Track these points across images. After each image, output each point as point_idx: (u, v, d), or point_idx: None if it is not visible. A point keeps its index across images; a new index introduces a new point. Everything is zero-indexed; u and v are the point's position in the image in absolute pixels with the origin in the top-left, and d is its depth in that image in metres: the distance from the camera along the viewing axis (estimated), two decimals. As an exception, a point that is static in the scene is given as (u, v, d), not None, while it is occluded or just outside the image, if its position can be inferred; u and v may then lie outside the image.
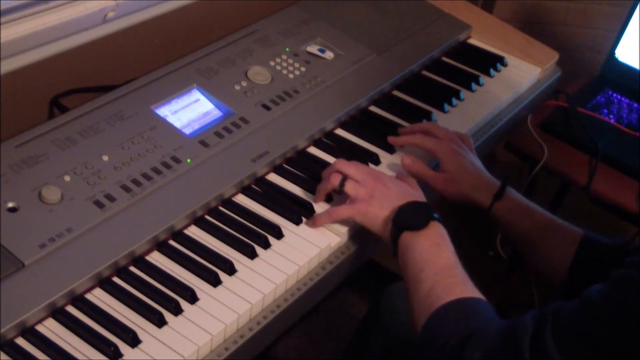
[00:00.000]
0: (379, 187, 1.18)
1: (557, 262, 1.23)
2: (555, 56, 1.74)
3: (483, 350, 0.94)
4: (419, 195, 1.20)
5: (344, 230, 1.20)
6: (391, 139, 1.37)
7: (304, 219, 1.21)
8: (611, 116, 1.81)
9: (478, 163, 1.32)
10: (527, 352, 0.91)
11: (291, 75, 1.44)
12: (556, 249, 1.23)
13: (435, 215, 1.13)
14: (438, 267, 1.07)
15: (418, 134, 1.35)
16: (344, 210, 1.19)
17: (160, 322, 1.02)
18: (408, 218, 1.13)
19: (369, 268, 1.44)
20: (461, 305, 1.02)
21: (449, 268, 1.07)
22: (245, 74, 1.42)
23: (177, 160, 1.22)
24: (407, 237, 1.11)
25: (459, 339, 0.97)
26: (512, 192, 1.29)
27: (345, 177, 1.20)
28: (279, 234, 1.18)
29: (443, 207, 1.29)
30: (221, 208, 1.21)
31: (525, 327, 0.93)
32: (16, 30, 1.18)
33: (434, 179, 1.30)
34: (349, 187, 1.19)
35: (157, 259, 1.11)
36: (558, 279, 1.23)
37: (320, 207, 1.23)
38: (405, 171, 1.30)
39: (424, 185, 1.26)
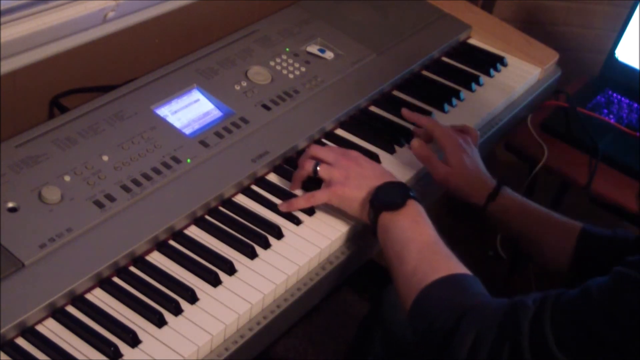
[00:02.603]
0: (353, 168, 1.19)
1: (558, 257, 1.23)
2: (555, 56, 1.74)
3: (479, 327, 0.95)
4: (392, 175, 1.20)
5: (344, 230, 1.20)
6: (405, 111, 1.38)
7: (304, 223, 1.21)
8: (611, 116, 1.81)
9: (478, 161, 1.33)
10: (527, 333, 0.91)
11: (291, 75, 1.44)
12: (555, 244, 1.24)
13: (412, 194, 1.14)
14: (420, 245, 1.07)
15: (430, 118, 1.37)
16: (321, 195, 1.19)
17: (160, 322, 1.02)
18: (386, 198, 1.13)
19: (369, 268, 1.44)
20: (450, 281, 1.03)
21: (432, 245, 1.08)
22: (245, 74, 1.42)
23: (177, 160, 1.22)
24: (386, 217, 1.12)
25: (452, 315, 0.97)
26: (508, 192, 1.29)
27: (318, 162, 1.20)
28: (279, 234, 1.18)
29: (443, 207, 1.30)
30: (221, 208, 1.21)
31: (526, 309, 0.93)
32: (16, 30, 1.18)
33: (436, 168, 1.30)
34: (323, 171, 1.19)
35: (157, 259, 1.11)
36: (560, 273, 1.23)
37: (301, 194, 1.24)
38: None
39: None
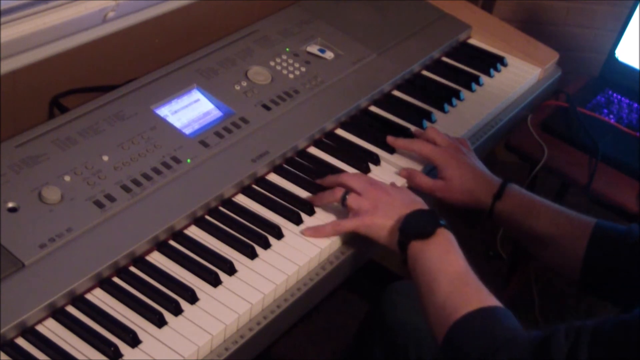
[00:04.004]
0: (382, 197, 1.18)
1: (570, 256, 1.20)
2: (555, 56, 1.74)
3: None
4: (422, 202, 1.18)
5: (344, 230, 1.20)
6: (390, 139, 1.36)
7: (305, 223, 1.21)
8: (611, 116, 1.81)
9: (479, 164, 1.31)
10: None
11: (291, 75, 1.44)
12: (567, 242, 1.20)
13: (442, 222, 1.12)
14: (451, 276, 1.05)
15: (417, 140, 1.35)
16: (349, 223, 1.18)
17: (160, 322, 1.02)
18: (415, 227, 1.12)
19: (369, 268, 1.44)
20: (482, 315, 1.01)
21: (462, 275, 1.06)
22: (245, 74, 1.42)
23: (177, 160, 1.22)
24: (416, 246, 1.10)
25: (486, 350, 0.96)
26: (514, 189, 1.26)
27: (347, 191, 1.20)
28: (279, 234, 1.18)
29: (443, 207, 1.29)
30: (221, 208, 1.21)
31: (559, 345, 0.91)
32: (16, 30, 1.18)
33: (432, 188, 1.28)
34: (352, 201, 1.19)
35: (157, 259, 1.11)
36: (572, 273, 1.20)
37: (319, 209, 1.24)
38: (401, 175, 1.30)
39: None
